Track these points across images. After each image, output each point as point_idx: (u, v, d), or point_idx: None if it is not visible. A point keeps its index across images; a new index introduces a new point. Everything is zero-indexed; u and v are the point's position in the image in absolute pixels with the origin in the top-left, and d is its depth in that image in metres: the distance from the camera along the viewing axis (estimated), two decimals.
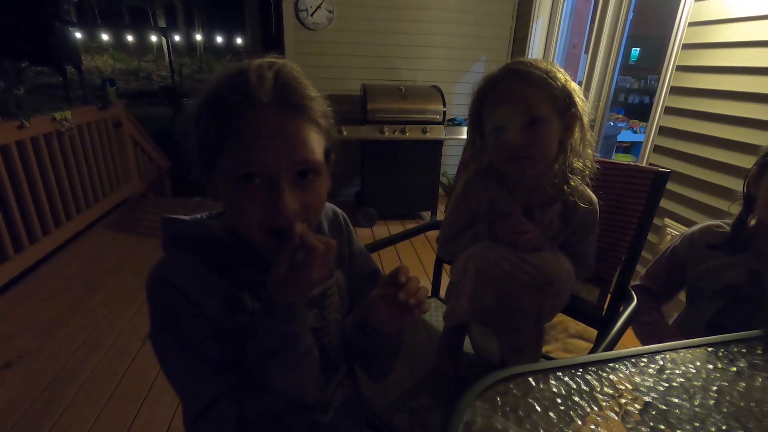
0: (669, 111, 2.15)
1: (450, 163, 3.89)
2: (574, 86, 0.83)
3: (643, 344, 0.98)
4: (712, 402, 0.53)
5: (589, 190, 0.92)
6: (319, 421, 0.68)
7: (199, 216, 0.64)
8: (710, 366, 0.60)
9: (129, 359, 1.84)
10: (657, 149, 2.23)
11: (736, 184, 1.76)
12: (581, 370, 0.59)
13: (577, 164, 0.88)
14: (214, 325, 0.55)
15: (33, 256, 2.52)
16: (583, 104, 0.83)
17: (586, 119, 0.85)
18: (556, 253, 0.90)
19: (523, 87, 0.80)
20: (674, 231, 2.08)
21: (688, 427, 0.49)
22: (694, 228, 1.07)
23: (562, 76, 0.82)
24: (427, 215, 3.64)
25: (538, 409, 0.51)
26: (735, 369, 0.60)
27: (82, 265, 2.67)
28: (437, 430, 0.87)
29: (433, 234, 1.18)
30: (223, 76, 0.53)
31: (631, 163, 1.00)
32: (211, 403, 0.54)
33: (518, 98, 0.80)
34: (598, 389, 0.55)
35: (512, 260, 0.87)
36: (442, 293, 1.30)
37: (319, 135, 0.55)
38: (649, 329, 1.05)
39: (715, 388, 0.56)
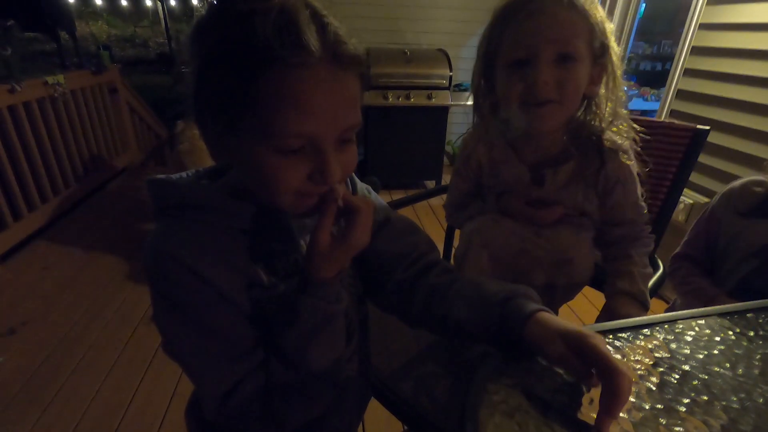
0: (689, 73, 2.05)
1: (456, 131, 3.79)
2: (610, 26, 0.69)
3: None
4: (756, 371, 0.49)
5: (614, 137, 0.77)
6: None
7: (186, 175, 0.55)
8: (751, 333, 0.56)
9: (133, 325, 1.84)
10: (674, 114, 2.14)
11: (763, 151, 1.71)
12: (611, 336, 0.55)
13: (609, 116, 0.75)
14: (229, 301, 0.48)
15: (33, 225, 2.49)
16: (617, 52, 0.70)
17: (619, 72, 0.71)
18: (577, 229, 0.81)
19: (565, 10, 0.64)
20: (687, 200, 2.02)
21: (733, 398, 0.45)
22: (734, 184, 1.00)
23: (601, 11, 0.67)
24: (431, 184, 3.57)
25: (567, 379, 0.47)
26: None
27: (82, 233, 2.64)
28: (444, 397, 0.84)
29: (436, 202, 1.12)
30: (256, 16, 0.40)
31: (665, 121, 0.93)
32: (234, 387, 0.48)
33: (559, 21, 0.64)
34: (632, 357, 0.51)
35: (524, 234, 0.78)
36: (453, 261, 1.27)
37: (361, 87, 0.47)
38: (693, 296, 0.99)
39: (758, 356, 0.52)
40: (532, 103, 0.68)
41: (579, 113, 0.75)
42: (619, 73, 0.72)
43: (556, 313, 0.85)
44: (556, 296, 0.84)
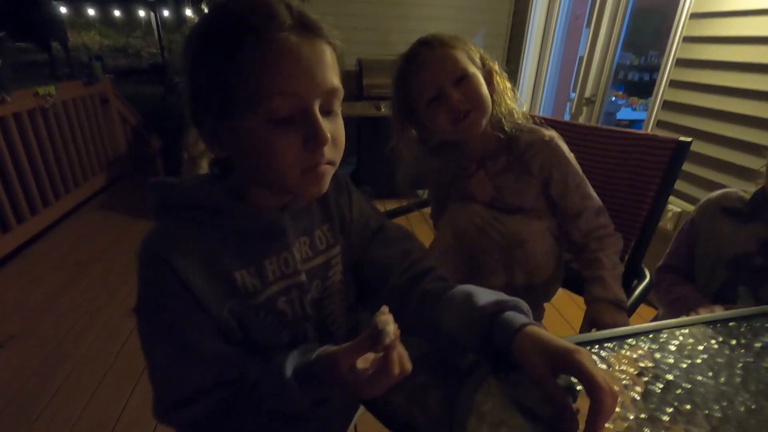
0: (674, 84, 2.09)
1: None
2: (475, 47, 0.89)
3: None
4: (738, 380, 0.50)
5: (542, 129, 0.92)
6: None
7: (188, 179, 0.58)
8: (733, 341, 0.57)
9: (123, 338, 1.81)
10: (660, 124, 2.18)
11: (746, 161, 1.74)
12: (597, 346, 0.55)
13: (511, 105, 0.91)
14: (206, 312, 0.51)
15: (21, 236, 2.46)
16: (492, 60, 0.90)
17: (499, 70, 0.90)
18: (530, 217, 0.91)
19: (440, 50, 0.84)
20: (675, 208, 2.05)
21: (715, 407, 0.46)
22: (711, 194, 1.02)
23: (464, 39, 0.88)
24: (424, 194, 3.58)
25: None
26: (760, 344, 0.56)
27: (72, 245, 2.61)
28: (436, 409, 0.84)
29: (429, 211, 1.18)
30: (231, 2, 0.47)
31: (648, 133, 0.95)
32: (188, 399, 0.50)
33: (442, 60, 0.83)
34: (617, 367, 0.52)
35: (484, 217, 0.90)
36: None
37: (336, 60, 0.51)
38: (677, 305, 0.99)
39: (740, 364, 0.53)
40: (458, 118, 0.85)
41: (493, 116, 0.90)
42: (500, 70, 0.91)
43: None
44: (515, 288, 0.91)
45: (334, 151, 0.51)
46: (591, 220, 0.91)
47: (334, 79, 0.49)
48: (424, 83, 0.84)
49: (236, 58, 0.45)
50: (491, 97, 0.88)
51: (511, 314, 0.51)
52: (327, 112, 0.50)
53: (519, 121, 0.92)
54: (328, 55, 0.49)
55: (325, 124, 0.48)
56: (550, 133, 0.91)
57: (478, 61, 0.87)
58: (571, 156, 0.92)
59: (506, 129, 0.90)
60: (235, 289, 0.53)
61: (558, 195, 0.92)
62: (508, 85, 0.91)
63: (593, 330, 0.82)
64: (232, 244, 0.53)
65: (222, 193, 0.54)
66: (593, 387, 0.40)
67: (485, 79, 0.87)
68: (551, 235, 0.94)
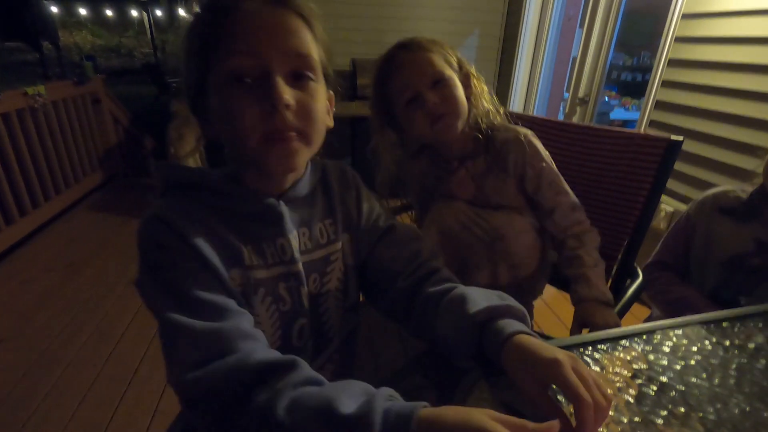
0: (666, 84, 2.10)
1: None
2: (454, 51, 0.91)
3: None
4: (732, 381, 0.50)
5: (517, 127, 0.94)
6: None
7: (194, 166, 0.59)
8: (727, 342, 0.57)
9: (114, 341, 1.79)
10: (653, 124, 2.19)
11: (738, 160, 1.76)
12: (590, 348, 0.55)
13: (488, 106, 0.93)
14: (211, 272, 0.50)
15: (11, 238, 2.43)
16: (469, 63, 0.92)
17: (476, 73, 0.92)
18: (510, 213, 0.93)
19: (418, 53, 0.86)
20: (668, 208, 2.06)
21: (710, 409, 0.46)
22: (708, 192, 1.02)
23: (442, 42, 0.89)
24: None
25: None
26: (753, 345, 0.56)
27: (64, 246, 2.58)
28: None
29: None
30: None
31: (641, 132, 0.95)
32: (203, 360, 0.44)
33: (420, 63, 0.85)
34: (611, 369, 0.51)
35: (467, 214, 0.92)
36: None
37: (312, 35, 0.53)
38: (679, 305, 0.98)
39: (734, 365, 0.52)
40: (434, 121, 0.86)
41: (470, 117, 0.92)
42: (477, 74, 0.93)
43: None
44: (500, 283, 0.92)
45: (300, 120, 0.51)
46: (566, 216, 0.92)
47: (301, 47, 0.51)
48: (401, 85, 0.86)
49: (209, 32, 0.49)
50: (468, 99, 0.90)
51: (501, 323, 0.50)
52: (297, 78, 0.51)
53: (495, 121, 0.94)
54: (296, 24, 0.51)
55: (287, 89, 0.49)
56: (524, 130, 0.93)
57: (455, 64, 0.89)
58: (545, 153, 0.93)
59: (483, 129, 0.92)
60: (239, 257, 0.54)
61: (532, 191, 0.93)
62: (485, 87, 0.94)
63: (584, 330, 0.82)
64: (231, 224, 0.54)
65: (220, 175, 0.55)
66: (575, 400, 0.40)
67: (462, 83, 0.89)
68: (533, 229, 0.95)
